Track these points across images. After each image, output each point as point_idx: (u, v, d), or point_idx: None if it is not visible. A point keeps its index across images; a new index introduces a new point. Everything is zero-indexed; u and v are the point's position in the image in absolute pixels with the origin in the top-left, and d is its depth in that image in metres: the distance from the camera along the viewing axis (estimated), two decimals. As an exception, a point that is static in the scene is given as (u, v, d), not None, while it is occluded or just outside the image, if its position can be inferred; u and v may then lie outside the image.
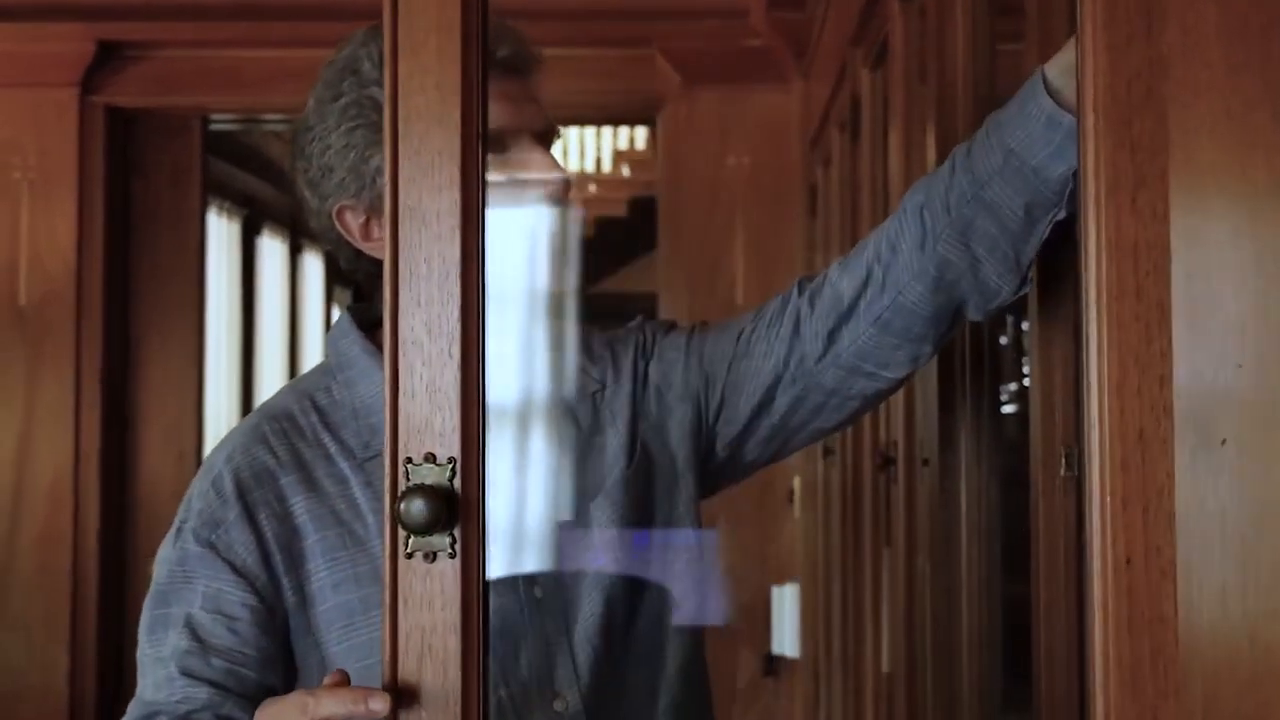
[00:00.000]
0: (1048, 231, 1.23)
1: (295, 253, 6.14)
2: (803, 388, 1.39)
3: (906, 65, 2.14)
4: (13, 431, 3.64)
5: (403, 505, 0.95)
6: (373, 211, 1.30)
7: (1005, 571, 1.80)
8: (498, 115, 1.21)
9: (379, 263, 1.17)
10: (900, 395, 2.14)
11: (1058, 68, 1.17)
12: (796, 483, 3.62)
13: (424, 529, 0.95)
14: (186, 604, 1.26)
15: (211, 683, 1.24)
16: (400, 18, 0.99)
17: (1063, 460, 1.43)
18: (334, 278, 6.71)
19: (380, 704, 0.97)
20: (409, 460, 0.97)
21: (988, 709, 1.75)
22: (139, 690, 1.28)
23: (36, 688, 3.60)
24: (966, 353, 1.74)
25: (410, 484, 0.96)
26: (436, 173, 0.98)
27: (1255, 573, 0.78)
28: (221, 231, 5.25)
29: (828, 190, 3.19)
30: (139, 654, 1.30)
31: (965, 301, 1.32)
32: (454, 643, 0.97)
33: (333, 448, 1.30)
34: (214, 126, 3.99)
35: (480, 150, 0.99)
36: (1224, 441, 0.80)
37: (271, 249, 5.88)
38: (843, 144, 2.88)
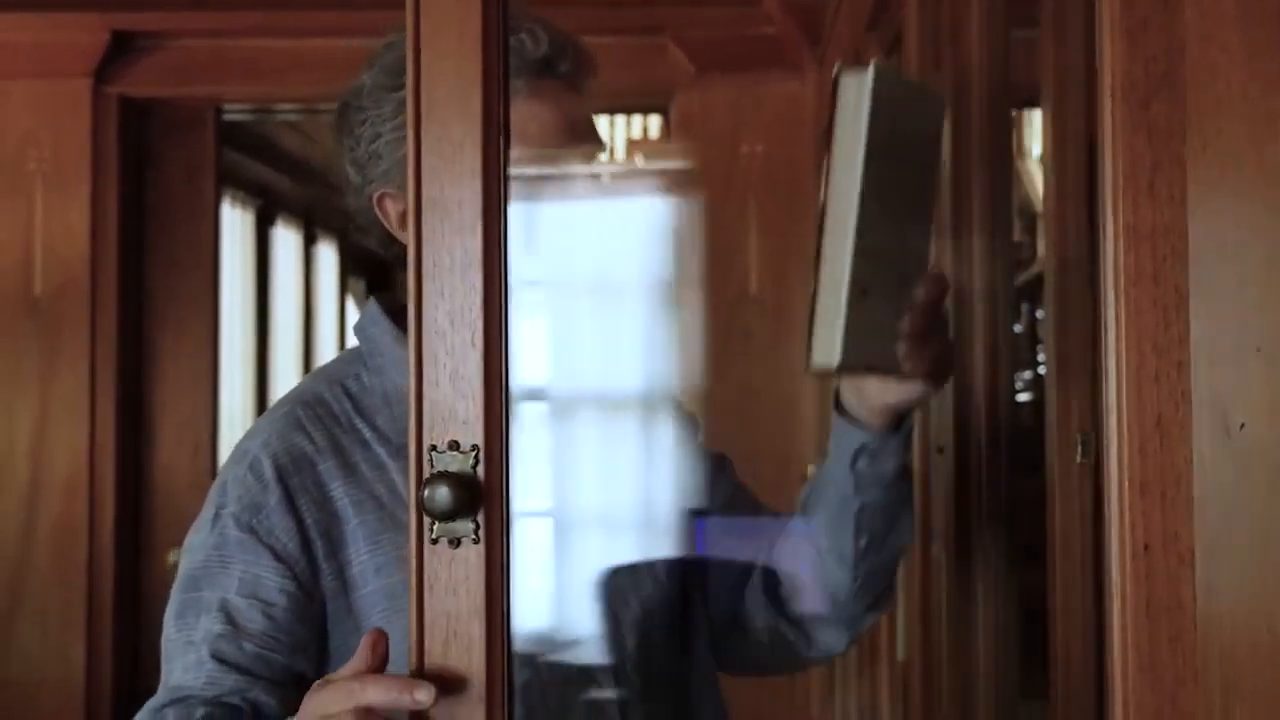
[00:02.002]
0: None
1: (309, 243, 6.14)
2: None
3: (921, 52, 2.14)
4: (28, 424, 3.65)
5: (426, 491, 0.97)
6: None
7: (1021, 559, 1.80)
8: (550, 128, 1.27)
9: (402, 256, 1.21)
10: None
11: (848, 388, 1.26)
12: (810, 471, 3.61)
13: (448, 515, 0.97)
14: (221, 589, 1.26)
15: (242, 668, 1.24)
16: (422, 7, 1.00)
17: (1079, 447, 1.43)
18: (348, 268, 6.72)
19: (425, 694, 0.98)
20: (433, 448, 0.98)
21: (1004, 697, 1.75)
22: (165, 674, 1.28)
23: (53, 678, 3.61)
24: (981, 340, 1.73)
25: (434, 471, 0.98)
26: (457, 163, 0.98)
27: (1274, 557, 0.77)
28: (235, 222, 5.26)
29: (842, 178, 3.18)
30: (165, 638, 1.30)
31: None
32: (478, 629, 0.98)
33: (368, 433, 1.32)
34: (228, 117, 3.99)
35: (502, 141, 1.00)
36: (1243, 426, 0.80)
37: (286, 240, 5.88)
38: (857, 132, 2.87)
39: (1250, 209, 0.82)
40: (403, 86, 1.24)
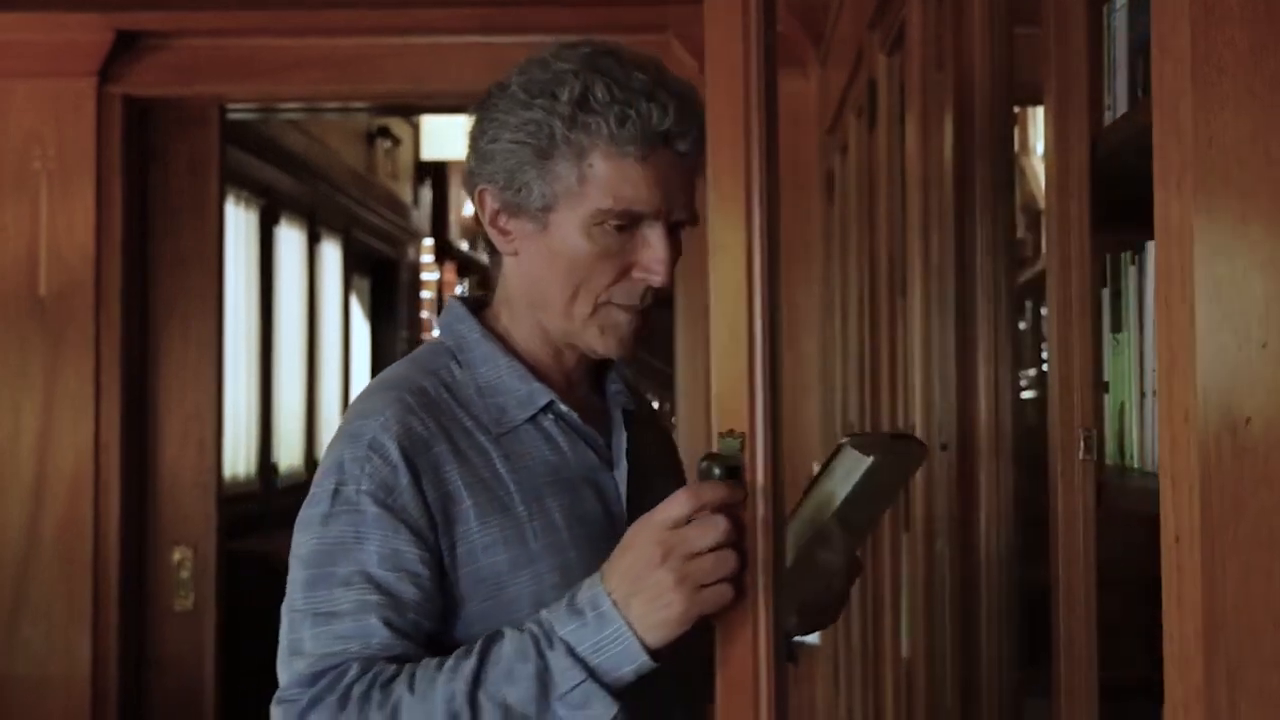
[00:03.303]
0: None
1: (313, 242, 6.14)
2: None
3: (924, 50, 2.14)
4: (34, 421, 3.66)
5: (701, 465, 1.21)
6: (506, 208, 1.41)
7: (1024, 555, 1.80)
8: (644, 195, 1.36)
9: (491, 243, 1.44)
10: (918, 380, 2.15)
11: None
12: (815, 468, 3.62)
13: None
14: (357, 563, 1.30)
15: (407, 634, 1.30)
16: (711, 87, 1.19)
17: (1081, 443, 1.43)
18: (351, 266, 6.72)
19: (727, 491, 1.19)
20: (720, 434, 1.20)
21: (1007, 693, 1.76)
22: (291, 643, 1.32)
23: (59, 674, 3.62)
24: (984, 337, 1.74)
25: (711, 450, 1.20)
26: (732, 214, 1.20)
27: None
28: (239, 220, 5.26)
29: (845, 176, 3.19)
30: (290, 609, 1.33)
31: None
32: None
33: (468, 422, 1.39)
34: (231, 116, 3.99)
35: (766, 194, 1.20)
36: (1249, 420, 0.80)
37: (289, 238, 5.89)
38: (860, 130, 2.88)
39: (1256, 203, 0.82)
40: (531, 109, 1.37)
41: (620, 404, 1.51)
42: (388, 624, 1.29)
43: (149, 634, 3.80)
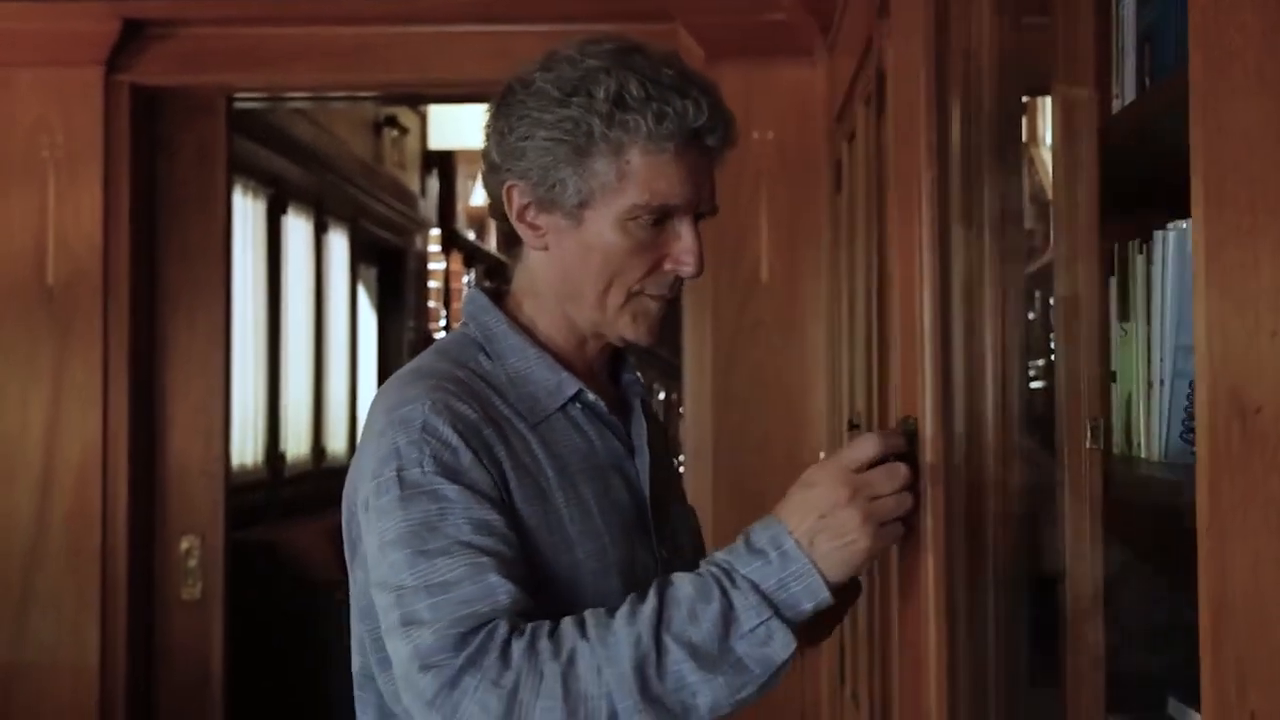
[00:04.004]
0: None
1: (320, 231, 6.14)
2: None
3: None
4: (41, 412, 3.66)
5: (907, 423, 1.43)
6: (537, 203, 1.43)
7: (1031, 545, 1.80)
8: (677, 190, 1.40)
9: (517, 236, 1.47)
10: (929, 369, 2.14)
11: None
12: (822, 458, 3.61)
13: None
14: (451, 535, 1.30)
15: (521, 586, 1.30)
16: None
17: (1088, 433, 1.43)
18: (359, 256, 6.72)
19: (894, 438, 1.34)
20: (900, 418, 1.38)
21: (1014, 684, 1.75)
22: (406, 616, 1.29)
23: (68, 664, 3.63)
24: (993, 328, 1.73)
25: (894, 426, 1.38)
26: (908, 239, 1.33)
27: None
28: (247, 210, 5.26)
29: (853, 165, 3.18)
30: (397, 590, 1.30)
31: None
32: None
33: (506, 410, 1.41)
34: (239, 105, 3.99)
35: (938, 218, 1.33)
36: (1259, 409, 0.80)
37: (297, 228, 5.88)
38: (867, 118, 2.87)
39: (1266, 189, 0.82)
40: (569, 106, 1.39)
41: (638, 394, 1.55)
42: (508, 578, 1.29)
43: (157, 623, 3.80)
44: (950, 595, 1.27)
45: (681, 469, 3.92)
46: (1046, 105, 3.35)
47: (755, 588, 1.27)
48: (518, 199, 1.44)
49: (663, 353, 6.95)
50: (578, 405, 1.47)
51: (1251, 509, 0.83)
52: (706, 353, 3.67)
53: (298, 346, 5.93)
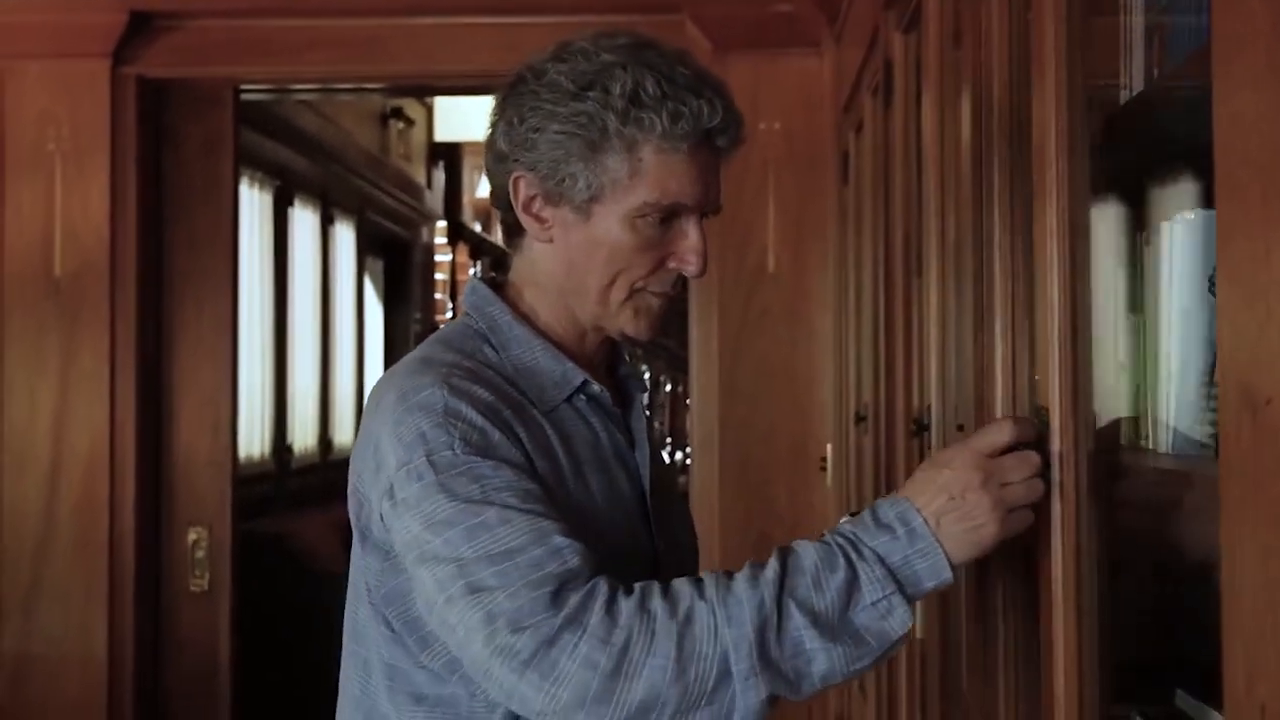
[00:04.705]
0: None
1: (327, 223, 6.14)
2: None
3: (940, 28, 2.12)
4: (49, 403, 3.67)
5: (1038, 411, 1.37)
6: (544, 196, 1.43)
7: (1039, 536, 1.79)
8: (687, 189, 1.40)
9: (519, 227, 1.46)
10: (934, 361, 2.14)
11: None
12: (829, 450, 3.61)
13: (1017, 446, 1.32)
14: (502, 508, 1.29)
15: (584, 543, 1.29)
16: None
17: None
18: (365, 248, 6.72)
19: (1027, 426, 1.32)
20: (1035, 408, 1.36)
21: (1023, 674, 1.75)
22: (472, 585, 1.27)
23: (76, 655, 3.64)
24: (1001, 318, 1.73)
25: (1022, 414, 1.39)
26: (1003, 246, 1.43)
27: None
28: (253, 202, 5.26)
29: (860, 156, 3.17)
30: (454, 559, 1.29)
31: None
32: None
33: (518, 397, 1.41)
34: (245, 97, 3.98)
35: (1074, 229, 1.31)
36: (1269, 401, 0.80)
37: (303, 219, 5.88)
38: (875, 109, 2.86)
39: (1276, 181, 0.81)
40: (585, 101, 1.38)
41: (636, 388, 1.56)
42: (572, 538, 1.28)
43: (165, 614, 3.81)
44: (1080, 585, 1.26)
45: (688, 460, 3.92)
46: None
47: (881, 561, 1.27)
48: (524, 190, 1.44)
49: (669, 343, 6.94)
50: (582, 397, 1.47)
51: (1261, 501, 0.82)
52: (713, 343, 3.67)
53: (304, 339, 5.92)
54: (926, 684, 2.29)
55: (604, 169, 1.39)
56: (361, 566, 1.44)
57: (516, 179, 1.44)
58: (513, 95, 1.44)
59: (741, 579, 1.27)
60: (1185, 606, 1.45)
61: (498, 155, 1.46)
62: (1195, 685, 1.27)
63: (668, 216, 1.42)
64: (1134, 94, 1.40)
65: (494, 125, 1.46)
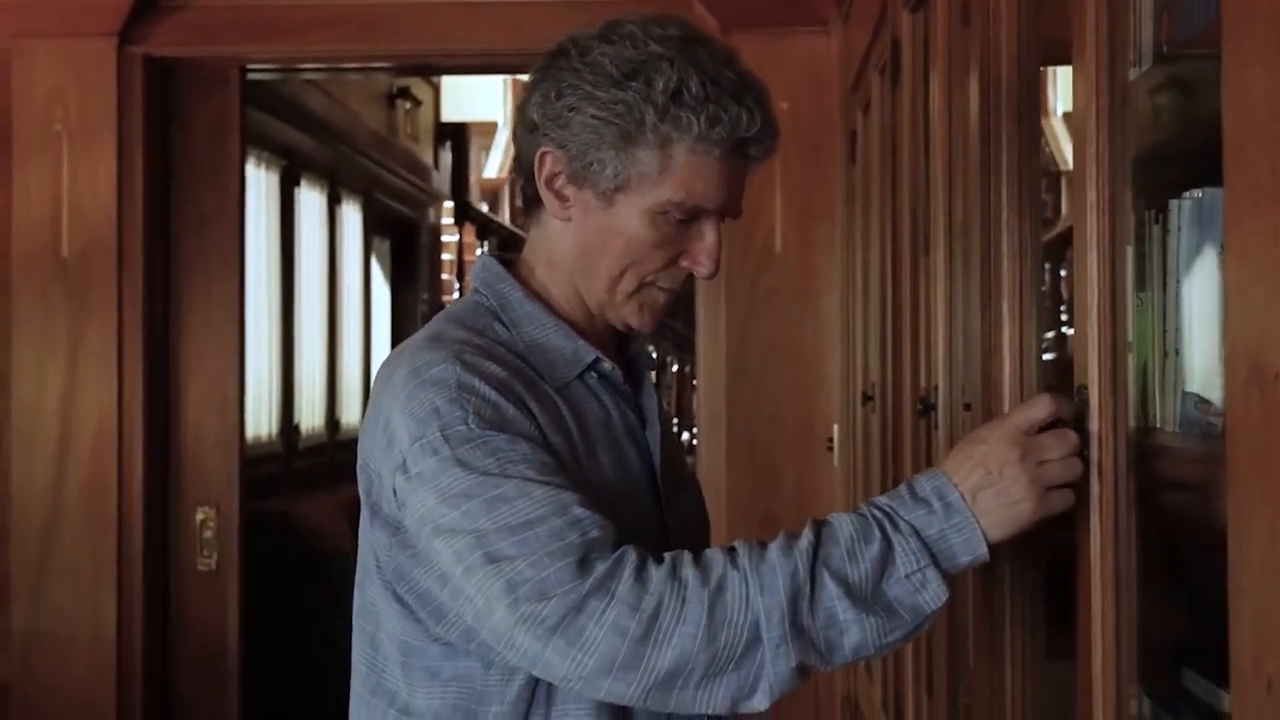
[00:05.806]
0: None
1: (334, 203, 6.14)
2: None
3: (948, 7, 2.12)
4: (57, 382, 3.68)
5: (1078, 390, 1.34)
6: (569, 175, 1.42)
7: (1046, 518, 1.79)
8: (713, 193, 1.40)
9: (538, 199, 1.44)
10: (941, 341, 2.14)
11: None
12: (836, 431, 3.61)
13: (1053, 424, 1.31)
14: (520, 480, 1.29)
15: (601, 511, 1.29)
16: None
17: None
18: (372, 228, 6.72)
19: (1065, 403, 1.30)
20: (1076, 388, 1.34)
21: (1030, 657, 1.75)
22: (491, 555, 1.27)
23: (85, 633, 3.65)
24: (1008, 298, 1.73)
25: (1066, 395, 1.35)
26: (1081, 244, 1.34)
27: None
28: (260, 182, 5.26)
29: (867, 136, 3.16)
30: (472, 531, 1.28)
31: None
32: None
33: (529, 373, 1.41)
34: (252, 76, 3.98)
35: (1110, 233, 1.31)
36: (1278, 376, 0.80)
37: (310, 199, 5.88)
38: (883, 89, 2.86)
39: (1284, 159, 0.81)
40: (626, 89, 1.37)
41: (647, 366, 1.57)
42: (591, 509, 1.28)
43: (173, 593, 3.82)
44: (1118, 566, 1.26)
45: (695, 441, 3.92)
46: (1056, 76, 3.33)
47: (917, 534, 1.26)
48: (550, 165, 1.43)
49: (675, 324, 6.94)
50: (594, 374, 1.47)
51: (1269, 477, 0.82)
52: (720, 324, 3.66)
53: (311, 319, 5.93)
54: (933, 663, 2.30)
55: (634, 161, 1.39)
56: (371, 542, 1.44)
57: (544, 153, 1.43)
58: (553, 67, 1.43)
59: (775, 548, 1.26)
60: (1191, 585, 1.45)
61: (528, 125, 1.45)
62: (1202, 664, 1.27)
63: (689, 217, 1.42)
64: (1143, 69, 1.39)
65: (528, 92, 1.45)
